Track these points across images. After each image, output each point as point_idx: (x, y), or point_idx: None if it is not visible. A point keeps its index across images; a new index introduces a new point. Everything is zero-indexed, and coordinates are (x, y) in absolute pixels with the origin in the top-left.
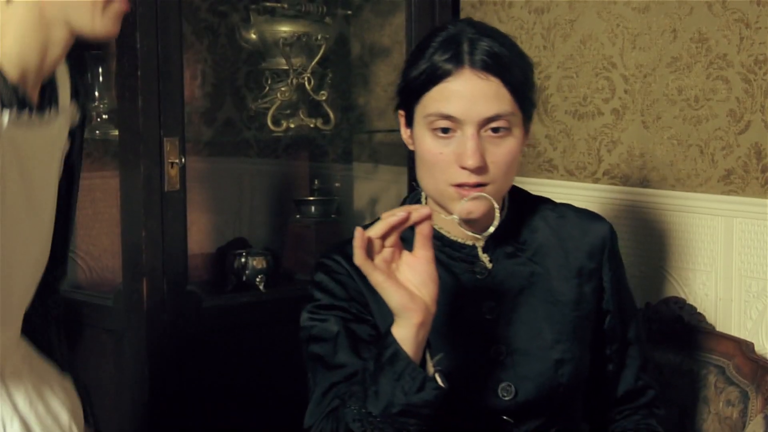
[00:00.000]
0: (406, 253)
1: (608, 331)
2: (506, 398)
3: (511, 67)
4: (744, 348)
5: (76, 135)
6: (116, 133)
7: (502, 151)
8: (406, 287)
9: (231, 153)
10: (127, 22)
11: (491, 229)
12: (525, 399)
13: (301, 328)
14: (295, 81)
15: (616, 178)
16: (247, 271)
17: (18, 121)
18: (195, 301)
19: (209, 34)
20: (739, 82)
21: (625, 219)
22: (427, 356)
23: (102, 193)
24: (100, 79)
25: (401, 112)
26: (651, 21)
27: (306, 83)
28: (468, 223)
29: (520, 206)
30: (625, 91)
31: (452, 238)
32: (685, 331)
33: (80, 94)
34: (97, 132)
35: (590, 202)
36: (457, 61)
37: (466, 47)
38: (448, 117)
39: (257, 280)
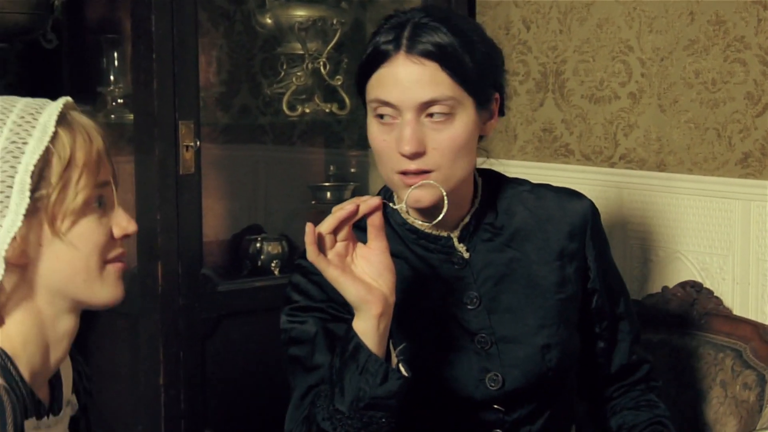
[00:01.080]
0: (360, 245)
1: (596, 310)
2: (494, 388)
3: (455, 53)
4: (761, 331)
5: (80, 422)
6: (131, 117)
7: (444, 137)
8: (363, 280)
9: (247, 140)
10: (143, 5)
11: (440, 217)
12: (513, 387)
13: (281, 331)
14: (310, 66)
15: (633, 162)
16: (262, 257)
17: (37, 428)
18: (210, 285)
19: (225, 21)
20: (756, 64)
21: (641, 203)
22: (391, 347)
23: (117, 178)
24: (116, 63)
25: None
26: (668, 4)
27: (321, 68)
28: (422, 212)
29: (495, 190)
30: (642, 75)
31: (426, 230)
32: (701, 315)
33: (82, 379)
34: (113, 116)
35: (607, 187)
36: (395, 46)
37: (407, 32)
38: (386, 103)
39: (272, 265)
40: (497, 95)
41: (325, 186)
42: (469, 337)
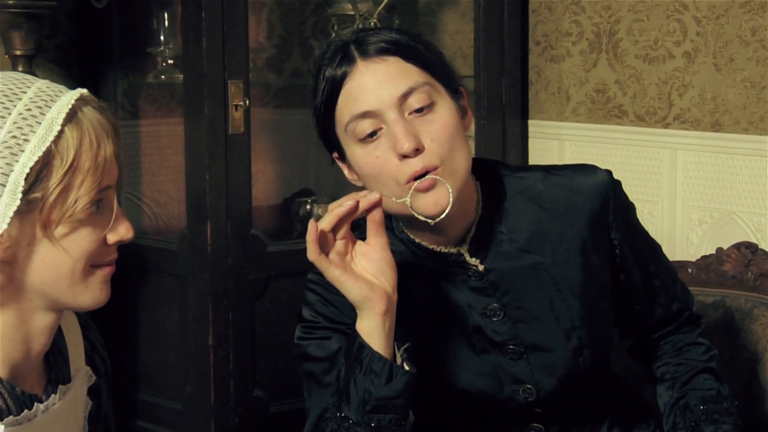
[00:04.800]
0: (359, 242)
1: (626, 282)
2: (530, 399)
3: (408, 45)
4: None
5: (100, 390)
6: (181, 78)
7: (436, 126)
8: (364, 278)
9: (298, 104)
10: None
11: (443, 216)
12: (547, 394)
13: (294, 345)
14: (361, 27)
15: (687, 123)
16: (312, 219)
17: (19, 423)
18: (259, 246)
19: None
20: None
21: (695, 164)
22: (395, 346)
23: (168, 139)
24: (166, 24)
25: (334, 155)
26: None
27: None
28: (436, 231)
29: (499, 190)
30: (697, 34)
31: (436, 249)
32: (757, 276)
33: (97, 349)
34: (163, 77)
35: (660, 148)
36: (349, 61)
37: (353, 47)
38: (363, 115)
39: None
40: (462, 89)
41: None
42: (497, 350)
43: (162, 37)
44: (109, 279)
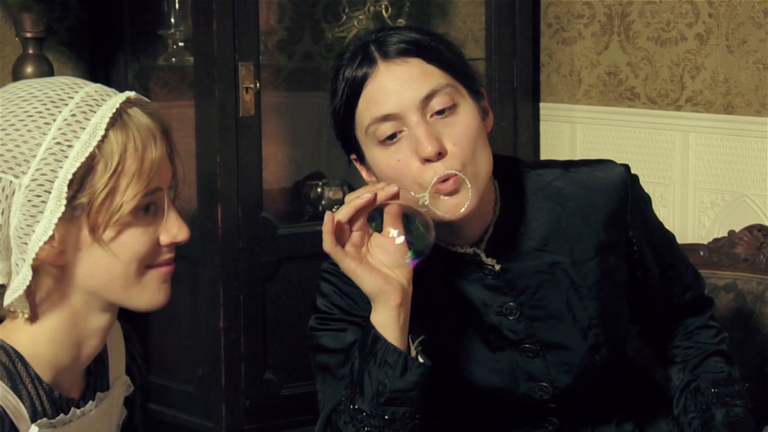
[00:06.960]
0: (375, 234)
1: (643, 277)
2: (545, 397)
3: (430, 46)
4: None
5: (135, 401)
6: (192, 60)
7: (458, 128)
8: (380, 270)
9: (309, 87)
10: None
11: (462, 210)
12: (563, 391)
13: (308, 335)
14: (372, 9)
15: (700, 105)
16: (323, 201)
17: (53, 426)
18: (270, 228)
19: None
20: None
21: (708, 146)
22: (409, 340)
23: (178, 122)
24: (176, 6)
25: (353, 156)
26: None
27: (383, 11)
28: (453, 231)
29: (517, 191)
30: (710, 15)
31: (452, 249)
32: None
33: (136, 361)
34: (174, 59)
35: (672, 130)
36: (370, 62)
37: (374, 47)
38: (384, 118)
39: (333, 210)
40: (482, 89)
41: None
42: (513, 348)
43: (173, 20)
44: (169, 279)
